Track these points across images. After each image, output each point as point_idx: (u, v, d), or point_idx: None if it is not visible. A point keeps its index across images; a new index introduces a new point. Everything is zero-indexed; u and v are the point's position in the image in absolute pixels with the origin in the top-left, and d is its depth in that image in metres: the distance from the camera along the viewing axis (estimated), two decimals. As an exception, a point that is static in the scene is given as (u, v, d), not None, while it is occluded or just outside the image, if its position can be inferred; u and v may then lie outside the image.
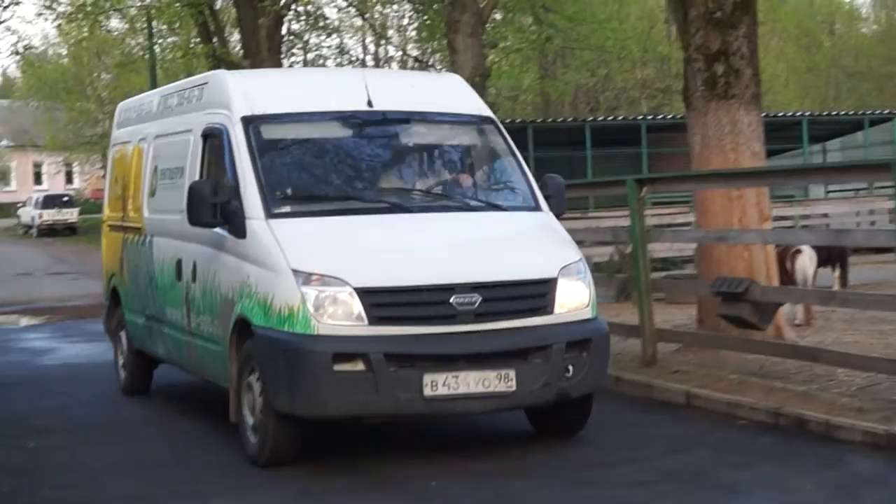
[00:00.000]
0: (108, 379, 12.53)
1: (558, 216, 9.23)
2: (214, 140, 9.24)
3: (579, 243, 17.80)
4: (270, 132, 8.91)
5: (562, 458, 8.39)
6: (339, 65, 35.64)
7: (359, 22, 36.48)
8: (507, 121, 28.02)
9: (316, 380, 7.66)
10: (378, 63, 41.51)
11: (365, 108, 9.18)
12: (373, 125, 9.22)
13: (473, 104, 9.79)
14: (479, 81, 18.59)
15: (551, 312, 8.23)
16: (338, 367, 7.65)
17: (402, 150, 9.37)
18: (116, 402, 11.41)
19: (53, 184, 66.21)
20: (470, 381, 7.81)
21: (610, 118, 31.16)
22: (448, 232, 8.60)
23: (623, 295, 12.29)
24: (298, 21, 25.37)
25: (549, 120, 30.22)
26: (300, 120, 9.12)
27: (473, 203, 9.16)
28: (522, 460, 8.37)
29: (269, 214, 8.36)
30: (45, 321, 19.45)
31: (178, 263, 9.70)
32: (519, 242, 8.74)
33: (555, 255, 8.54)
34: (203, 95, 9.85)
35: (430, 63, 29.00)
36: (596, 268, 19.13)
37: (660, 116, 31.06)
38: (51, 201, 52.36)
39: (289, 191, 8.75)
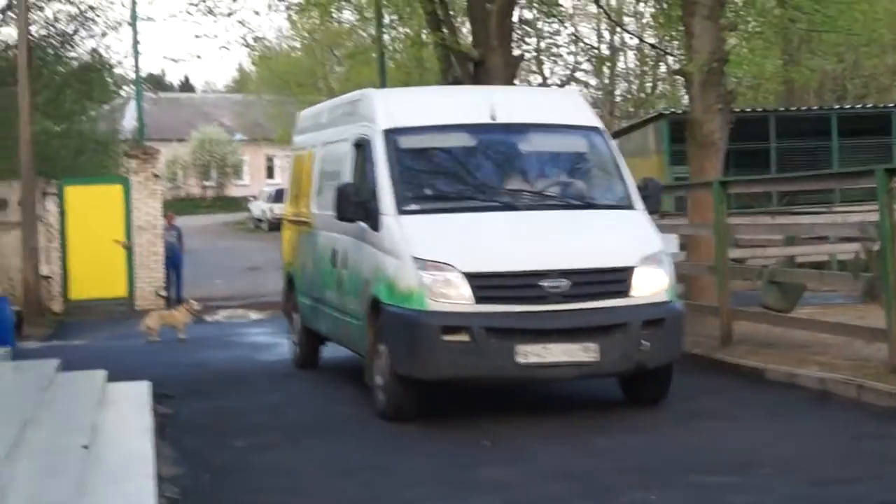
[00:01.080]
0: (325, 376, 12.47)
1: (652, 213, 10.58)
2: (363, 148, 10.82)
3: (823, 239, 16.96)
4: (406, 142, 10.47)
5: (792, 471, 7.66)
6: (573, 54, 35.14)
7: (593, 9, 35.56)
8: (749, 110, 26.86)
9: (429, 347, 9.26)
10: (613, 52, 40.54)
11: (488, 121, 10.65)
12: (493, 135, 10.71)
13: (584, 116, 11.21)
14: (717, 67, 17.63)
15: (630, 295, 9.58)
16: (446, 338, 9.21)
17: (516, 156, 10.82)
18: (329, 400, 11.29)
19: (285, 178, 66.48)
20: (558, 352, 9.28)
21: (858, 106, 29.45)
22: (545, 226, 10.00)
23: (870, 296, 11.32)
24: (530, 8, 24.75)
25: (793, 109, 28.82)
26: (431, 131, 10.70)
27: (573, 202, 10.52)
28: (748, 473, 7.70)
29: (399, 211, 9.94)
30: (270, 316, 19.25)
31: (334, 252, 11.31)
32: (607, 235, 10.12)
33: (637, 246, 9.90)
34: (357, 110, 11.42)
35: (666, 51, 27.90)
36: (841, 266, 18.25)
37: (914, 103, 29.14)
38: (282, 195, 51.91)
39: (417, 191, 10.27)
